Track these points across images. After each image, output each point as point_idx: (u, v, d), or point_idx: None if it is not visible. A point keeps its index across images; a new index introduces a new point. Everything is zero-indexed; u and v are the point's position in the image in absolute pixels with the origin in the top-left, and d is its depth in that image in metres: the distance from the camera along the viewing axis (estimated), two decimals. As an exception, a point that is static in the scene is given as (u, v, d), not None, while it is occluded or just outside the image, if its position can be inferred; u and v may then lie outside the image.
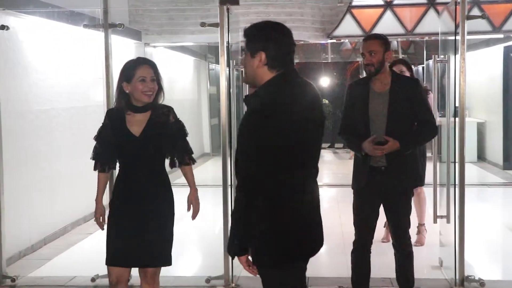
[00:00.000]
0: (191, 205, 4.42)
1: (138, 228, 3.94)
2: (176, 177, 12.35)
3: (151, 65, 4.07)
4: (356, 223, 4.59)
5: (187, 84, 14.46)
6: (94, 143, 4.10)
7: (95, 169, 4.10)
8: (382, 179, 4.39)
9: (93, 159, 4.10)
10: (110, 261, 4.00)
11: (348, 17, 10.47)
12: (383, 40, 4.45)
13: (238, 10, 6.34)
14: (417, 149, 6.30)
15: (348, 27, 10.44)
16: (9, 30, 5.85)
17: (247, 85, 6.07)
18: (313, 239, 3.05)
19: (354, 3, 10.44)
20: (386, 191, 4.42)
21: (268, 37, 2.94)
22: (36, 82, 6.99)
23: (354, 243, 4.64)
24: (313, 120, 3.00)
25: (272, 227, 2.90)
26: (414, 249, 6.51)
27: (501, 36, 11.03)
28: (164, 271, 5.96)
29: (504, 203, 9.94)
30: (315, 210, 3.06)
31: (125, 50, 9.87)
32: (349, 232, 4.88)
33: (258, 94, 2.96)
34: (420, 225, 6.82)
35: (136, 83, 3.91)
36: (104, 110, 5.15)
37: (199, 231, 7.83)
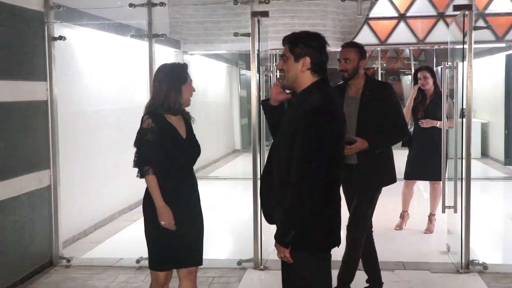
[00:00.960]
0: None
1: (192, 229, 3.77)
2: (210, 171, 12.39)
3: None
4: None
5: (220, 88, 14.49)
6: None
7: (146, 174, 3.55)
8: (353, 175, 4.27)
9: (142, 165, 3.56)
10: (162, 266, 3.70)
11: (365, 28, 10.40)
12: (359, 48, 4.33)
13: (268, 22, 6.32)
14: (429, 148, 6.26)
15: (365, 36, 10.34)
16: (65, 40, 5.91)
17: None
18: (339, 235, 3.07)
19: (371, 15, 10.36)
20: (356, 185, 4.32)
21: (313, 44, 2.97)
22: (88, 86, 7.06)
23: None
24: (344, 123, 3.02)
25: (321, 220, 2.91)
26: (424, 236, 6.55)
27: (503, 45, 10.88)
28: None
29: (505, 195, 9.82)
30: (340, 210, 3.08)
31: (166, 57, 9.93)
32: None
33: (309, 95, 2.91)
34: (431, 215, 6.77)
35: (190, 85, 3.71)
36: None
37: (231, 220, 7.87)
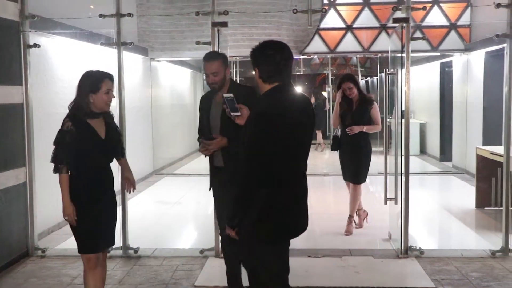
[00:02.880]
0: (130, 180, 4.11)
1: (109, 217, 3.82)
2: (176, 168, 12.33)
3: (112, 78, 3.78)
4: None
5: (185, 92, 14.42)
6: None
7: (60, 171, 3.62)
8: (221, 177, 4.18)
9: (57, 163, 3.62)
10: (94, 249, 3.76)
11: (316, 37, 10.49)
12: (222, 59, 4.12)
13: (227, 31, 6.33)
14: (354, 151, 6.17)
15: (316, 45, 10.46)
16: (40, 47, 5.82)
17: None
18: (301, 222, 3.06)
19: (321, 26, 10.46)
20: (226, 187, 4.12)
21: (259, 55, 2.97)
22: (62, 90, 6.94)
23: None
24: (303, 124, 2.98)
25: (271, 211, 2.89)
26: (369, 226, 6.64)
27: (438, 54, 11.11)
28: (165, 244, 6.02)
29: (441, 188, 10.02)
30: (304, 199, 3.07)
31: (134, 64, 9.85)
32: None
33: (258, 102, 2.99)
34: (351, 216, 6.37)
35: (102, 95, 3.65)
36: (116, 113, 5.12)
37: (195, 212, 7.86)
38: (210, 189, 4.38)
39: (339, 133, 6.36)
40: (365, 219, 6.62)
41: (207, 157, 4.30)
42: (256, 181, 2.81)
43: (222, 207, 4.22)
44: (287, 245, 3.09)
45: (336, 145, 6.38)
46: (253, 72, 3.05)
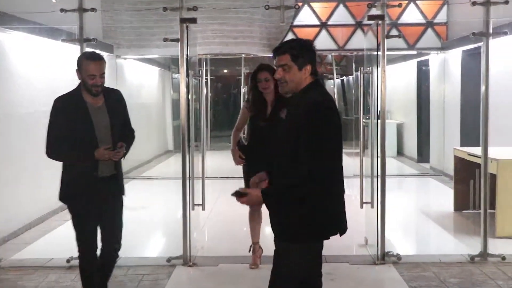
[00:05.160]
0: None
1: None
2: (142, 171, 12.20)
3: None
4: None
5: (153, 91, 14.27)
6: None
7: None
8: (111, 187, 4.10)
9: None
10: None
11: (290, 35, 10.47)
12: (104, 62, 3.99)
13: (196, 28, 6.25)
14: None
15: (289, 43, 10.45)
16: (-5, 43, 5.66)
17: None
18: (346, 221, 3.13)
19: (295, 23, 10.44)
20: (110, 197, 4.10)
21: (310, 51, 3.05)
22: (21, 88, 6.78)
23: None
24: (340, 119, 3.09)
25: (316, 209, 2.94)
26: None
27: (414, 52, 11.19)
28: (130, 252, 5.90)
29: (418, 190, 10.10)
30: (343, 199, 3.13)
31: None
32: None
33: (308, 92, 2.99)
34: (254, 243, 5.39)
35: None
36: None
37: (162, 219, 7.75)
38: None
39: (242, 140, 5.43)
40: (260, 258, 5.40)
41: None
42: (316, 179, 2.83)
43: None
44: (321, 247, 3.16)
45: (246, 154, 5.29)
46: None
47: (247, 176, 5.18)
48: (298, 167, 2.84)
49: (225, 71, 19.42)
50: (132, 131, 4.39)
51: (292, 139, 2.91)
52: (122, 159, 4.09)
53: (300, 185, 2.84)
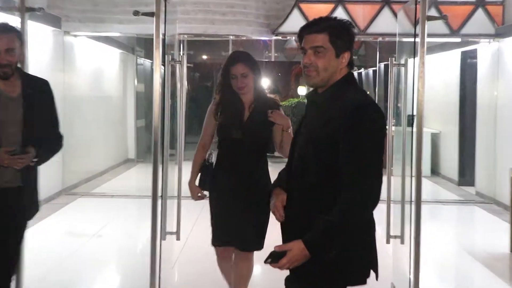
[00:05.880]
0: None
1: None
2: (95, 186, 12.21)
3: None
4: None
5: (111, 80, 14.27)
6: None
7: None
8: (20, 201, 4.17)
9: None
10: None
11: (295, 12, 10.52)
12: (13, 34, 4.11)
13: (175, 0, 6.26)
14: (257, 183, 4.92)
15: (295, 23, 10.45)
16: None
17: (179, 84, 6.01)
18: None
19: (303, -3, 10.51)
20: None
21: (353, 36, 3.10)
22: None
23: None
24: None
25: (367, 243, 3.05)
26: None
27: (458, 40, 11.26)
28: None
29: (461, 223, 10.12)
30: None
31: (41, 38, 9.66)
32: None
33: (343, 90, 3.02)
34: None
35: None
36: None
37: (122, 248, 7.71)
38: None
39: (213, 158, 5.12)
40: None
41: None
42: (371, 204, 2.90)
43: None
44: None
45: (203, 181, 5.08)
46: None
47: (218, 219, 4.98)
48: (346, 190, 2.85)
49: (205, 57, 19.45)
50: (59, 137, 4.46)
51: (325, 155, 2.92)
52: (36, 167, 4.14)
53: (357, 211, 2.87)
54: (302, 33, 3.05)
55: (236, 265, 5.11)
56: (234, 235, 4.90)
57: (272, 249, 2.90)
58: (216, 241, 5.01)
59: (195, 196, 5.06)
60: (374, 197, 2.87)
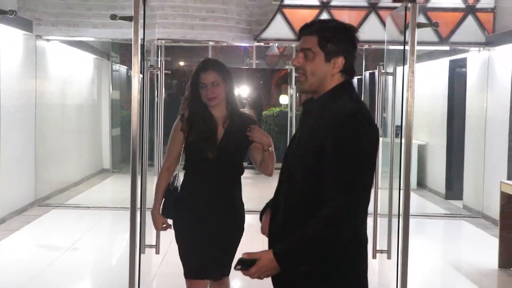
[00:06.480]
0: None
1: None
2: (68, 197, 12.16)
3: None
4: None
5: (84, 87, 14.22)
6: None
7: None
8: None
9: None
10: None
11: (278, 18, 10.56)
12: None
13: (154, 3, 6.26)
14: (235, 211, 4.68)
15: (278, 29, 10.53)
16: None
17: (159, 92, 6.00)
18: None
19: (286, 2, 10.53)
20: None
21: (351, 41, 3.02)
22: None
23: None
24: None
25: (352, 262, 2.95)
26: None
27: (447, 48, 11.34)
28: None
29: (448, 238, 10.16)
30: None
31: (11, 43, 9.60)
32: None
33: (336, 98, 2.96)
34: None
35: None
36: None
37: (98, 263, 7.69)
38: None
39: (177, 182, 4.78)
40: None
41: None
42: (350, 219, 2.81)
43: None
44: None
45: (167, 208, 4.70)
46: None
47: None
48: (325, 203, 2.79)
49: (183, 63, 19.42)
50: None
51: (312, 166, 2.88)
52: None
53: (332, 226, 2.78)
54: (299, 35, 3.04)
55: None
56: (208, 267, 4.57)
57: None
58: (189, 274, 4.63)
59: (159, 226, 4.69)
60: (353, 213, 2.79)
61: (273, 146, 4.50)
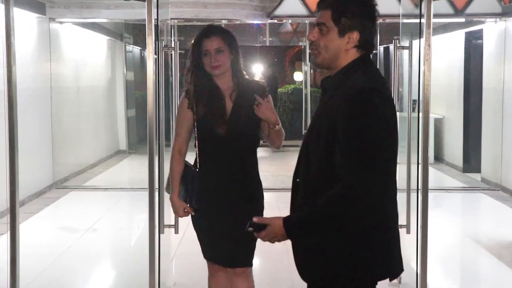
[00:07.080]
0: None
1: None
2: (85, 179, 12.21)
3: None
4: None
5: (99, 69, 14.25)
6: None
7: None
8: None
9: None
10: None
11: (292, -6, 10.52)
12: None
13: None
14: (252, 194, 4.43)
15: (291, 5, 10.47)
16: None
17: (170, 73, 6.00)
18: (400, 263, 3.07)
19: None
20: None
21: (367, 14, 2.91)
22: None
23: None
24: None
25: (363, 242, 2.87)
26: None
27: (462, 20, 11.26)
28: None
29: (466, 211, 10.17)
30: (397, 226, 3.06)
31: (25, 25, 9.63)
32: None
33: (350, 74, 2.89)
34: None
35: None
36: (4, 98, 4.95)
37: (117, 243, 7.74)
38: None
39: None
40: None
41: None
42: (362, 197, 2.73)
43: None
44: None
45: (194, 192, 4.41)
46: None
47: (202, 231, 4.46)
48: (336, 180, 2.74)
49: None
50: None
51: (323, 143, 2.83)
52: None
53: (340, 205, 2.73)
54: (317, 8, 2.96)
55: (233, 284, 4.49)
56: (224, 250, 4.35)
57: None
58: (207, 257, 4.52)
59: (181, 212, 4.40)
60: (363, 192, 2.70)
61: (280, 123, 4.23)
